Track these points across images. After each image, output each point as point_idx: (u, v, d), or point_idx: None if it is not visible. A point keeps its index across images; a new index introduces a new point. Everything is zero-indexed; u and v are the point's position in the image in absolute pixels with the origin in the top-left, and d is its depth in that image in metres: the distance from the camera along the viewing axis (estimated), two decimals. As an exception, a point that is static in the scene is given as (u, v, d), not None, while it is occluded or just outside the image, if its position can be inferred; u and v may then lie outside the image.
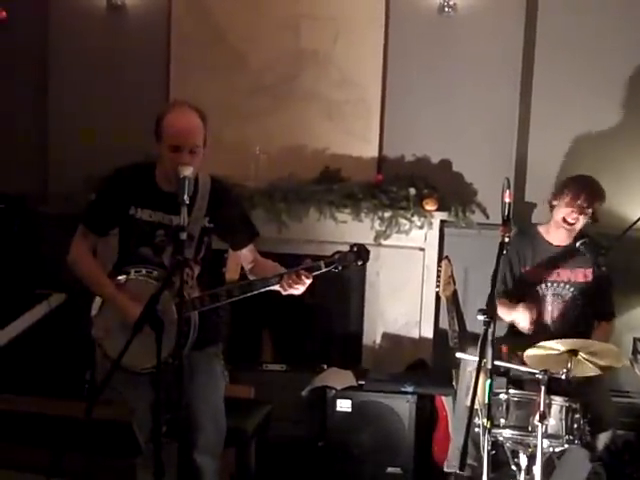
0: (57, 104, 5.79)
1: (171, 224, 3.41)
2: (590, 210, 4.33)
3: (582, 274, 4.42)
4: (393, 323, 5.44)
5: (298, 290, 3.40)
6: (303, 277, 3.37)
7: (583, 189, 4.33)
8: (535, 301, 4.41)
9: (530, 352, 3.83)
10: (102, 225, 3.59)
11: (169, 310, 3.14)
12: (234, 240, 3.64)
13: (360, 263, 3.41)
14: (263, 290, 3.41)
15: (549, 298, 4.42)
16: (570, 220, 4.34)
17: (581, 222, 4.35)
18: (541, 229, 4.54)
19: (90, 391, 5.10)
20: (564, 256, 4.43)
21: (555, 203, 4.41)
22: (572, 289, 4.41)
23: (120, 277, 3.46)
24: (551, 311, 4.43)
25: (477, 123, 5.41)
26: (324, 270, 3.38)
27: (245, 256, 3.68)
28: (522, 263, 4.45)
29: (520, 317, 4.27)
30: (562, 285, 4.41)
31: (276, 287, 3.42)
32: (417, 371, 5.16)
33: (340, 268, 3.39)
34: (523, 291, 4.45)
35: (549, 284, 4.42)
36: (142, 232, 3.46)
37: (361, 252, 3.41)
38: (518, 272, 4.46)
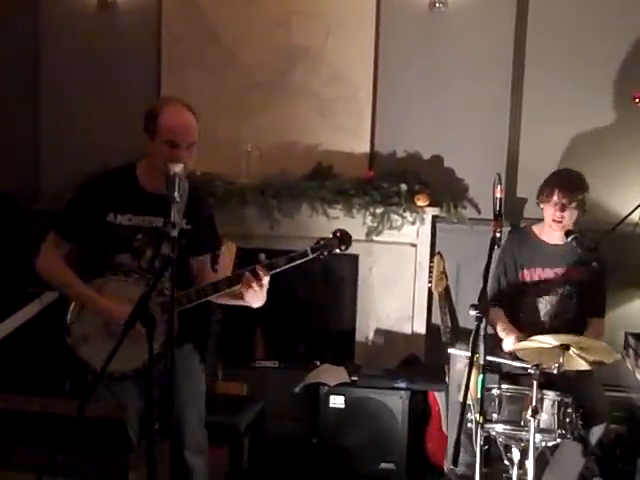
0: (49, 102, 5.78)
1: (151, 226, 3.40)
2: (574, 204, 4.34)
3: (577, 271, 4.41)
4: (386, 319, 5.44)
5: (256, 293, 3.31)
6: (260, 274, 3.29)
7: (559, 186, 4.35)
8: (532, 300, 4.43)
9: (522, 345, 3.84)
10: (77, 233, 3.47)
11: (155, 310, 3.05)
12: (197, 244, 3.52)
13: (343, 248, 3.40)
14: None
15: (546, 296, 4.42)
16: (556, 219, 4.36)
17: (568, 218, 4.35)
18: (535, 229, 4.54)
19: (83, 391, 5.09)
20: (560, 254, 4.43)
21: (542, 205, 4.43)
22: (568, 287, 4.41)
23: (97, 280, 3.41)
24: (548, 309, 4.42)
25: (468, 119, 5.42)
26: (311, 256, 3.35)
27: (199, 265, 3.59)
28: (518, 264, 4.45)
29: (507, 342, 4.27)
30: (559, 283, 4.41)
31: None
32: (410, 367, 5.17)
33: (325, 254, 3.36)
34: (519, 291, 4.46)
35: (546, 282, 4.42)
36: (120, 238, 3.42)
37: (343, 237, 3.40)
38: (513, 274, 4.45)
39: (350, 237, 3.43)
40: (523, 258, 4.46)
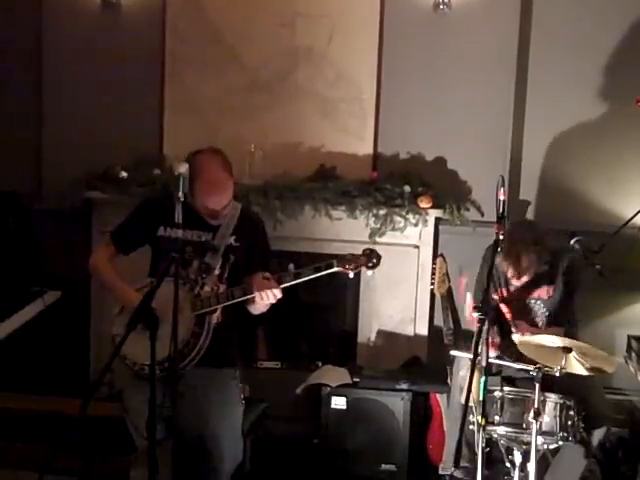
0: (51, 102, 5.78)
1: (199, 240, 3.56)
2: (526, 275, 4.23)
3: (545, 291, 4.37)
4: (388, 320, 5.44)
5: (268, 299, 3.42)
6: (277, 291, 3.40)
7: (506, 261, 4.19)
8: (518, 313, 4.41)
9: (524, 339, 3.83)
10: (127, 244, 3.73)
11: (184, 306, 3.26)
12: (248, 264, 3.61)
13: (370, 266, 3.39)
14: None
15: (525, 315, 4.40)
16: (516, 282, 4.32)
17: (528, 277, 4.27)
18: None
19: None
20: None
21: None
22: (542, 305, 4.39)
23: (145, 279, 3.59)
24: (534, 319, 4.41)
25: (472, 121, 5.41)
26: (336, 269, 3.38)
27: None
28: (499, 282, 4.42)
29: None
30: (533, 301, 4.39)
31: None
32: (412, 368, 5.17)
33: (352, 267, 3.37)
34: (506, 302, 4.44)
35: (522, 301, 4.40)
36: (169, 250, 3.49)
37: (372, 256, 3.40)
38: (496, 285, 4.43)
39: (379, 257, 3.41)
40: (501, 277, 4.41)
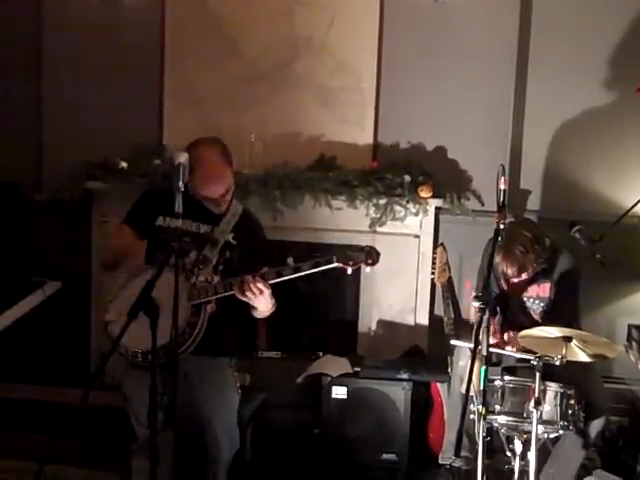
0: (51, 93, 5.77)
1: (198, 231, 3.58)
2: (525, 273, 4.23)
3: (542, 289, 4.36)
4: (388, 310, 5.44)
5: (254, 298, 3.43)
6: (260, 284, 3.40)
7: (504, 261, 4.17)
8: (512, 314, 4.40)
9: (525, 332, 3.83)
10: (143, 227, 3.69)
11: (181, 295, 3.22)
12: (245, 263, 3.62)
13: (370, 262, 3.40)
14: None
15: (523, 312, 4.40)
16: (514, 282, 4.31)
17: (526, 275, 4.25)
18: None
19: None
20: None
21: None
22: (541, 303, 4.38)
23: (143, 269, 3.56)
24: (528, 326, 4.39)
25: (472, 110, 5.41)
26: (335, 265, 3.39)
27: None
28: (497, 277, 4.42)
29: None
30: (531, 300, 4.39)
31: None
32: (412, 358, 5.17)
33: (351, 264, 3.38)
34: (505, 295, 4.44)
35: (520, 299, 4.40)
36: (168, 240, 3.49)
37: (372, 253, 3.41)
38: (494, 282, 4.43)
39: (379, 255, 3.42)
40: (498, 275, 4.39)
